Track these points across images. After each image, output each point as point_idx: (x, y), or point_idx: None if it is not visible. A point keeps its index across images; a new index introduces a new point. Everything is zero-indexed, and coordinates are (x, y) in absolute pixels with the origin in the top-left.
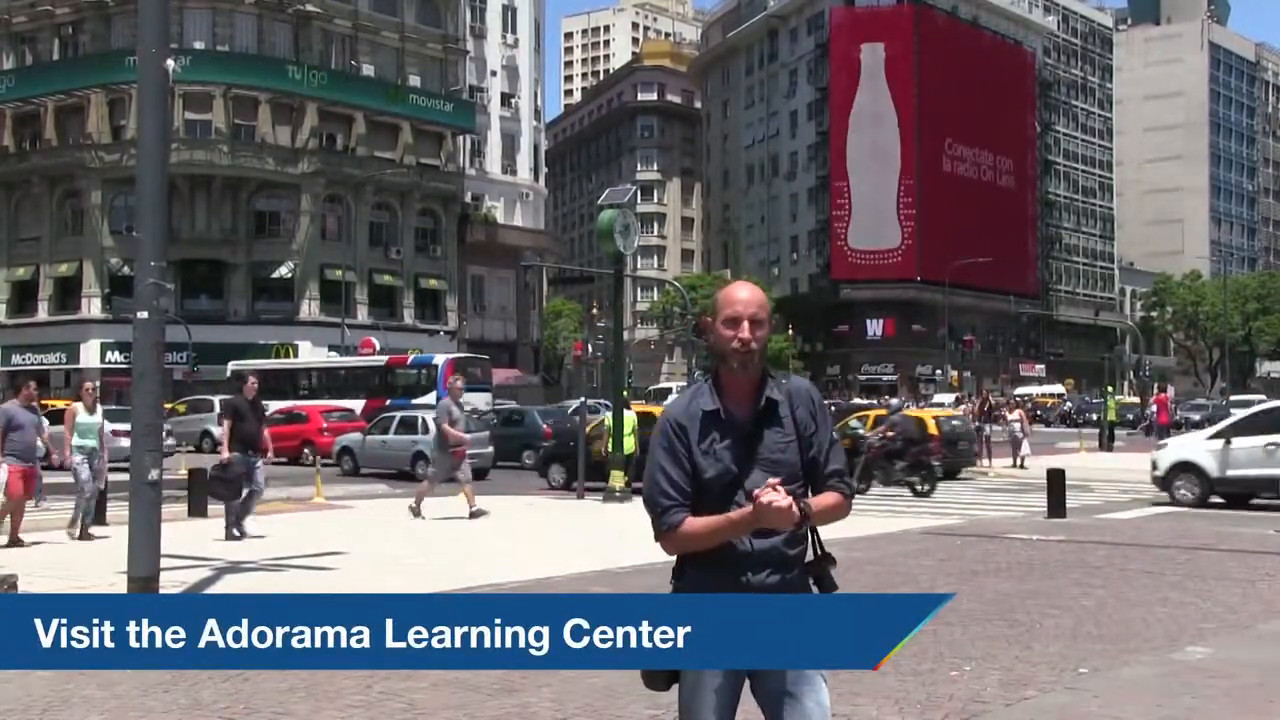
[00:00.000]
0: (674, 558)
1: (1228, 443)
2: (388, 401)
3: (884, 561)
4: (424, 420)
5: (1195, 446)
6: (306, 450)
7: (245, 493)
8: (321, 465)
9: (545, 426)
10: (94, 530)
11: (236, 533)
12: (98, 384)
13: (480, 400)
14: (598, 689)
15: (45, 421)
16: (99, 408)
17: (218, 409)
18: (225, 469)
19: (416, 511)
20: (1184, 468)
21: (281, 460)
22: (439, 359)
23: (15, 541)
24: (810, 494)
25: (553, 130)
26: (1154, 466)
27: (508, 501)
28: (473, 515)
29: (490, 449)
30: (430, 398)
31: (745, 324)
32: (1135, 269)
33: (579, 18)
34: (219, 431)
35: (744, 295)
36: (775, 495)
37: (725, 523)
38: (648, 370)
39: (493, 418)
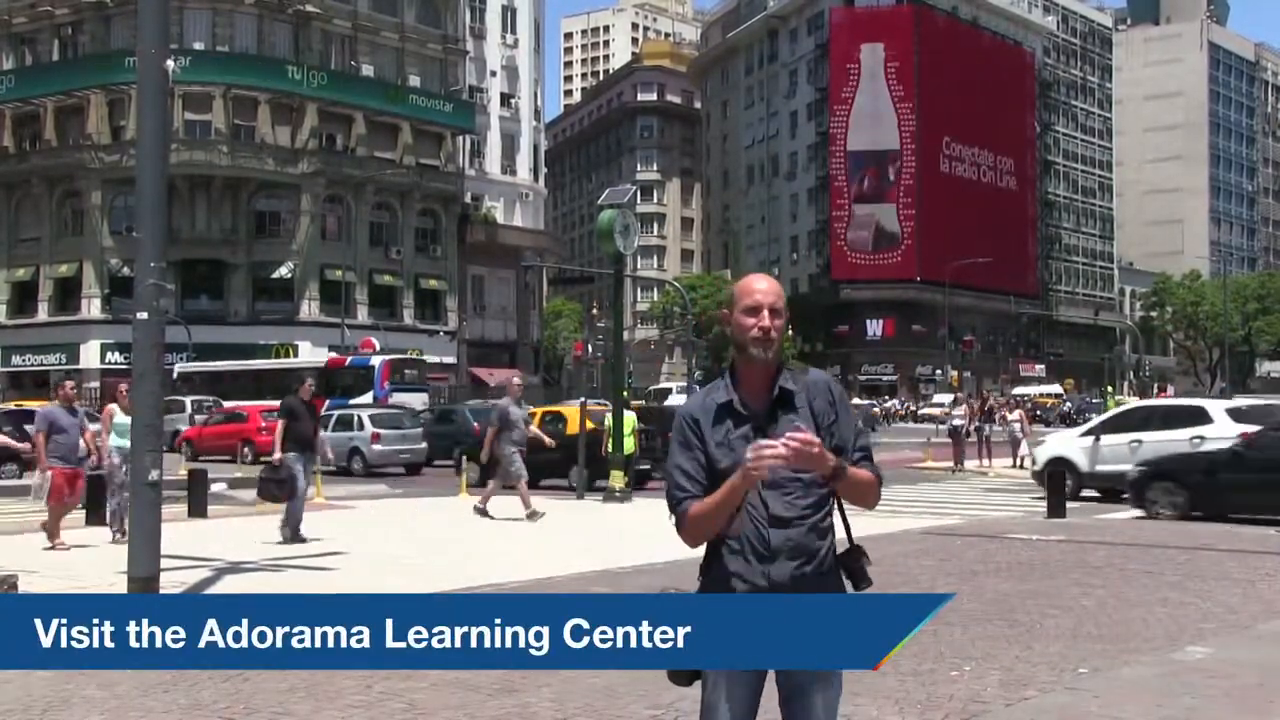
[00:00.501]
0: (677, 557)
1: (1097, 439)
2: (328, 402)
3: (884, 561)
4: (359, 418)
5: (1069, 443)
6: (245, 449)
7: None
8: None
9: (475, 425)
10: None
11: (287, 534)
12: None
13: (416, 400)
14: (598, 689)
15: (88, 422)
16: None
17: (189, 409)
18: (277, 470)
19: (531, 513)
20: (1058, 463)
21: (226, 458)
22: (375, 360)
23: (55, 543)
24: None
25: (553, 130)
26: (1033, 462)
27: (507, 501)
28: (478, 510)
29: (424, 445)
30: (367, 398)
31: (765, 312)
32: (1135, 269)
33: (579, 18)
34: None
35: (763, 285)
36: (764, 445)
37: (723, 492)
38: (648, 370)
39: (428, 416)
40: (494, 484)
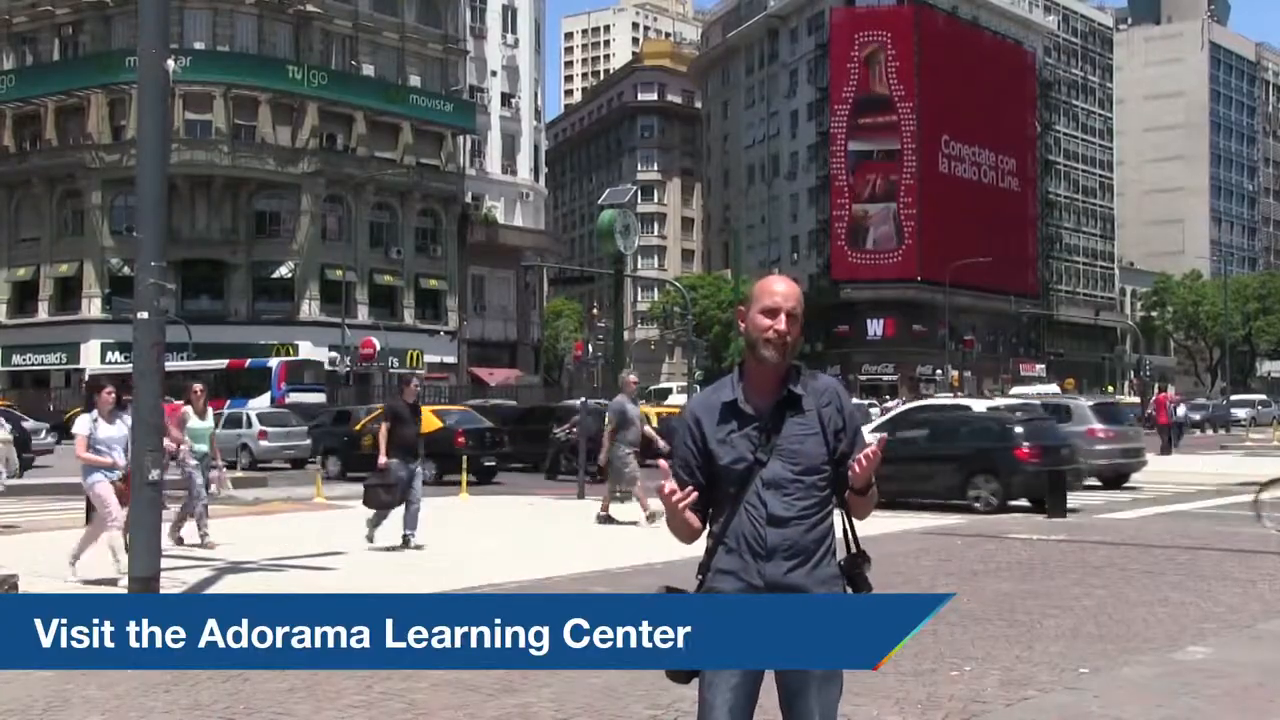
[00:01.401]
0: (676, 557)
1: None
2: (228, 402)
3: (884, 561)
4: (248, 416)
5: None
6: None
7: (406, 503)
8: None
9: None
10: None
11: (410, 538)
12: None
13: (314, 400)
14: (598, 689)
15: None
16: (210, 412)
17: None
18: (385, 475)
19: (651, 515)
20: None
21: None
22: (272, 363)
23: (178, 540)
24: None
25: (553, 130)
26: None
27: (508, 501)
28: (601, 519)
29: (308, 442)
30: (265, 399)
31: (782, 316)
32: (1135, 269)
33: (579, 18)
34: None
35: (782, 289)
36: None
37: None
38: (648, 370)
39: (325, 416)
40: (609, 487)
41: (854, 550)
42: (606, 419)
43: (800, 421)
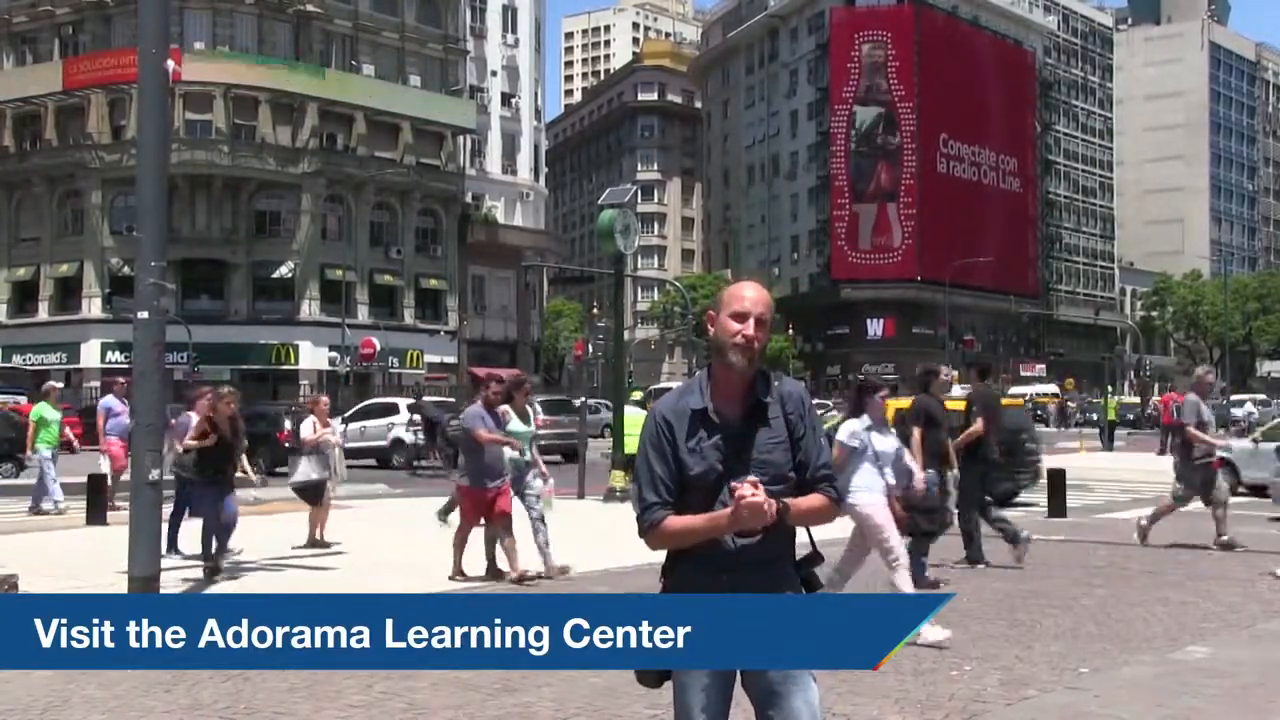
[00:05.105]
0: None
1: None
2: None
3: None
4: None
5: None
6: None
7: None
8: None
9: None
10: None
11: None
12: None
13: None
14: (598, 689)
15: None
16: (531, 414)
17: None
18: (923, 493)
19: (1144, 536)
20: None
21: None
22: None
23: (498, 572)
24: (798, 496)
25: (553, 130)
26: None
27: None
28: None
29: None
30: None
31: (751, 320)
32: (1135, 269)
33: (579, 18)
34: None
35: (751, 294)
36: (750, 491)
37: (705, 523)
38: (648, 370)
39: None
40: (1218, 510)
41: (812, 550)
42: (1185, 419)
43: (769, 430)
